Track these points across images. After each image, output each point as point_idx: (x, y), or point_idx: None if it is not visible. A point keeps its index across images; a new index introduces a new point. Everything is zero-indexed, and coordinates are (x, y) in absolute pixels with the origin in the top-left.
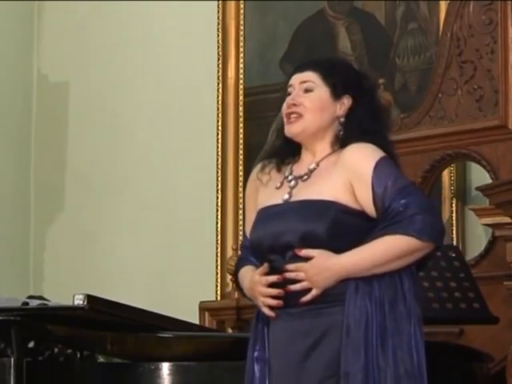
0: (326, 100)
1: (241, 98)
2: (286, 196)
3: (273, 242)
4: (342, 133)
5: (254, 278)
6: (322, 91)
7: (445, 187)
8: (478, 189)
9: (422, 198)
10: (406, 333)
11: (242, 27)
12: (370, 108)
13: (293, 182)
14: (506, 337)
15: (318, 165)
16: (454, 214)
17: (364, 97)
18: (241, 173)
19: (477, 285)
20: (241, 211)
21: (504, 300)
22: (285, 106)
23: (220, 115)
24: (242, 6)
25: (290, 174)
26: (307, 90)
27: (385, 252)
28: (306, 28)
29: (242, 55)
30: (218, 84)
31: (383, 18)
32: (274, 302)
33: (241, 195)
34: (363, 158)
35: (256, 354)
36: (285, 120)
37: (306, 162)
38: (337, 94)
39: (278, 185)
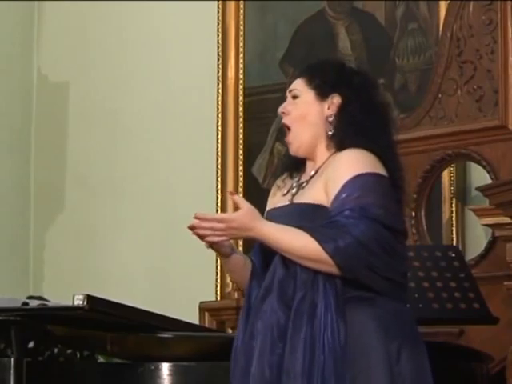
0: (310, 103)
1: (241, 98)
2: (287, 202)
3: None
4: (331, 133)
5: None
6: (306, 96)
7: (445, 187)
8: (477, 189)
9: (369, 229)
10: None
11: (241, 27)
12: (364, 105)
13: (295, 190)
14: (506, 337)
15: (317, 171)
16: (453, 215)
17: (356, 94)
18: (241, 173)
19: (477, 285)
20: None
21: (504, 300)
22: None
23: (220, 115)
24: (241, 6)
25: (297, 181)
26: (294, 97)
27: (299, 247)
28: (306, 28)
29: (241, 55)
30: (218, 84)
31: (383, 18)
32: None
33: (241, 195)
34: (347, 164)
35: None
36: None
37: (308, 169)
38: (322, 95)
39: (285, 192)
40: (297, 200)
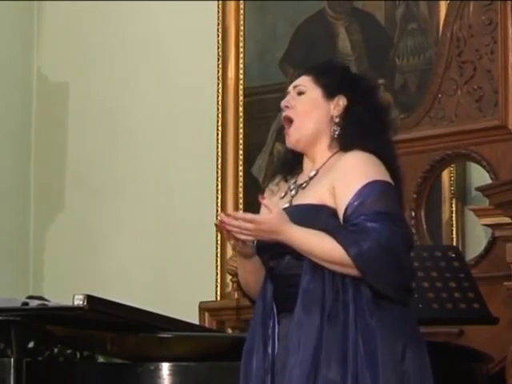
0: (316, 100)
1: (241, 98)
2: (287, 205)
3: (271, 248)
4: (337, 133)
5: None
6: (313, 92)
7: (445, 187)
8: (477, 189)
9: (390, 233)
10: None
11: (241, 27)
12: (369, 108)
13: (293, 191)
14: (506, 337)
15: (317, 172)
16: (453, 215)
17: (361, 97)
18: (241, 173)
19: (476, 285)
20: (241, 211)
21: (504, 300)
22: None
23: (220, 115)
24: (241, 6)
25: (294, 183)
26: (300, 93)
27: (325, 250)
28: (306, 28)
29: (241, 55)
30: (218, 84)
31: (383, 18)
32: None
33: (241, 195)
34: (357, 170)
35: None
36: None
37: (307, 169)
38: (329, 94)
39: (283, 194)
40: (297, 201)
